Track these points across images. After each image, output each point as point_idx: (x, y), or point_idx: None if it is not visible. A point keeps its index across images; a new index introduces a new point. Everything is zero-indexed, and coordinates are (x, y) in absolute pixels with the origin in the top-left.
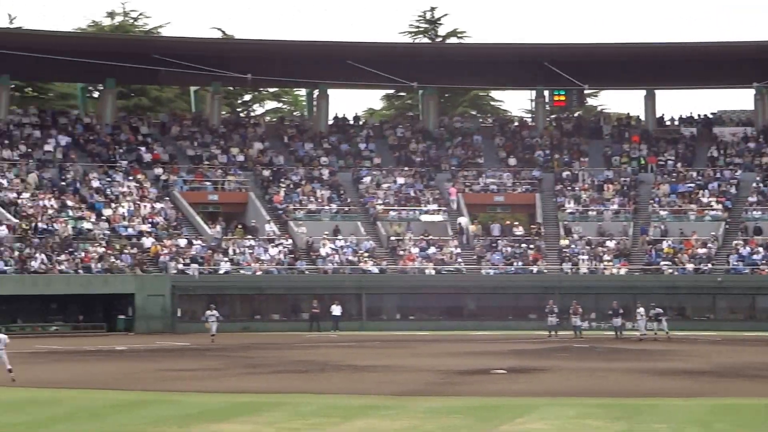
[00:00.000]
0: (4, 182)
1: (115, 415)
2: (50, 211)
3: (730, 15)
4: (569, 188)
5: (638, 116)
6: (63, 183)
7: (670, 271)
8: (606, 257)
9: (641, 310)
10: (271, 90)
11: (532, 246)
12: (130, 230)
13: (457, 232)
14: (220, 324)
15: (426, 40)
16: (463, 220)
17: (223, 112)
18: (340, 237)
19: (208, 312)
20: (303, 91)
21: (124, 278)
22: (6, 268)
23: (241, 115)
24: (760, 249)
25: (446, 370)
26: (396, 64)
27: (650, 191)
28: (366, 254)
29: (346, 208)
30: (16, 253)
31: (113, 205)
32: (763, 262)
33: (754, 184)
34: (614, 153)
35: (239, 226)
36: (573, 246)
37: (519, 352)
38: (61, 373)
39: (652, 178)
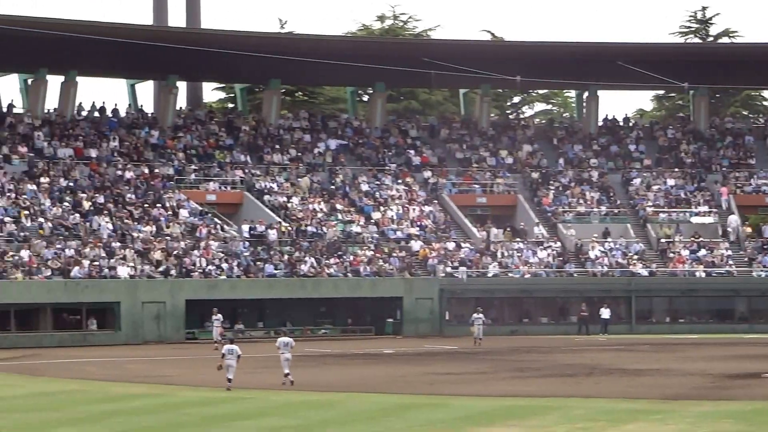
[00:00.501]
0: (275, 186)
1: (386, 418)
2: (319, 215)
3: None
4: None
5: None
6: (332, 186)
7: None
8: None
9: None
10: (541, 92)
11: None
12: (398, 233)
13: (727, 232)
14: (489, 327)
15: (697, 40)
16: (733, 219)
17: (492, 115)
18: (609, 239)
19: (474, 315)
20: (572, 93)
21: (393, 281)
22: (276, 271)
23: (510, 117)
24: None
25: (716, 374)
26: (666, 64)
27: None
28: (635, 256)
29: (616, 210)
30: (286, 257)
31: (382, 208)
32: None
33: None
34: None
35: (508, 229)
36: None
37: None
38: (331, 376)
39: None
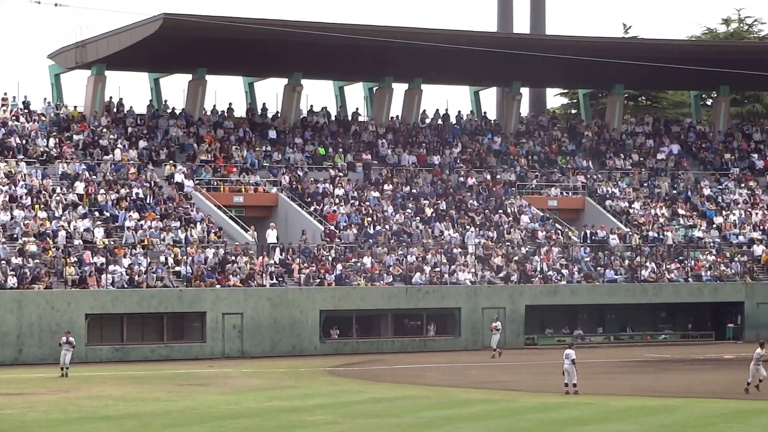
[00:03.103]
0: (616, 191)
1: (726, 424)
2: (661, 220)
3: None
4: None
5: None
6: (674, 191)
7: None
8: None
9: None
10: None
11: None
12: (740, 238)
13: None
14: None
15: None
16: None
17: None
18: None
19: None
20: None
21: (734, 286)
22: (617, 276)
23: None
24: None
25: None
26: None
27: None
28: None
29: None
30: (627, 262)
31: (724, 212)
32: None
33: None
34: None
35: None
36: None
37: None
38: (670, 382)
39: None
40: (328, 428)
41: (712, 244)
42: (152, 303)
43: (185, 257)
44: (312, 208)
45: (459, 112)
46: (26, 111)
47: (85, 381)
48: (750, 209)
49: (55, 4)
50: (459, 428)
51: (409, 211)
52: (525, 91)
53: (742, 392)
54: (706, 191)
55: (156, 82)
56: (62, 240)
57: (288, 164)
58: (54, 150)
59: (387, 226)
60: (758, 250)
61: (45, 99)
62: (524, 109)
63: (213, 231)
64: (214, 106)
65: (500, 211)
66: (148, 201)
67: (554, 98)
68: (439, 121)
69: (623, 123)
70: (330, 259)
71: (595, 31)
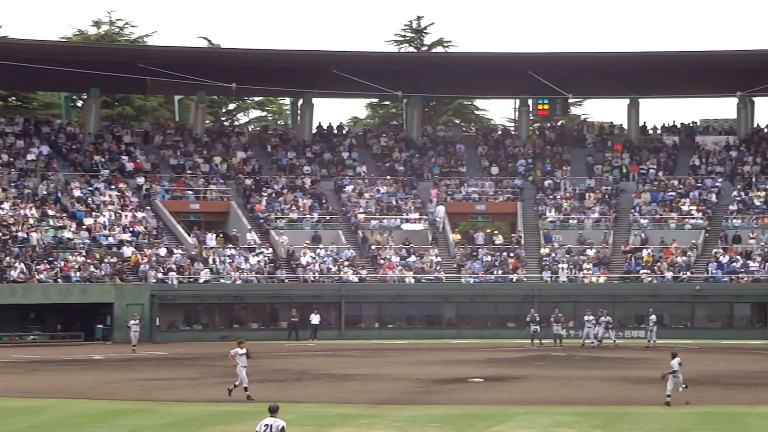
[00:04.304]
0: None
1: (92, 424)
2: (31, 220)
3: (711, 24)
4: (551, 197)
5: (621, 125)
6: (45, 192)
7: (650, 279)
8: (586, 265)
9: (590, 318)
10: (256, 99)
11: (512, 255)
12: (110, 239)
13: (436, 222)
14: (199, 333)
15: (412, 49)
16: (441, 210)
17: (207, 122)
18: (320, 246)
19: (132, 321)
20: (287, 100)
21: (103, 287)
22: None
23: (225, 124)
24: (739, 257)
25: (424, 379)
26: (381, 73)
27: (632, 200)
28: (346, 263)
29: (328, 217)
30: None
31: (94, 214)
32: (742, 270)
33: (735, 193)
34: (596, 162)
35: (220, 235)
36: (553, 254)
37: (497, 360)
38: (38, 383)
39: (633, 187)
40: None
41: (81, 246)
42: None
43: None
44: None
45: None
46: None
47: None
48: (120, 211)
49: None
50: None
51: None
52: None
53: (111, 392)
54: (77, 192)
55: None
56: None
57: None
58: None
59: None
60: (128, 251)
61: None
62: None
63: None
64: None
65: None
66: None
67: None
68: None
69: None
70: None
71: None
